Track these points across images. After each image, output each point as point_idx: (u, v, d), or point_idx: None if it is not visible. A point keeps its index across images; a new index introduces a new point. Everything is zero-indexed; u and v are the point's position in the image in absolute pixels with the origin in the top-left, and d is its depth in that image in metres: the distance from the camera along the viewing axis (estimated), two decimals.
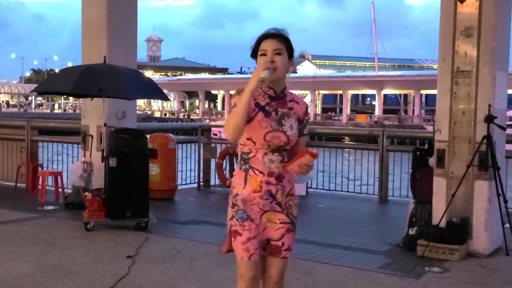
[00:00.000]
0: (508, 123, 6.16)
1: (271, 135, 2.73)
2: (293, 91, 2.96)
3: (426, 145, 6.39)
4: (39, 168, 9.40)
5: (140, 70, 8.72)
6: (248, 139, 2.76)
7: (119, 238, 6.20)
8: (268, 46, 2.76)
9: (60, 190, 8.60)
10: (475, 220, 5.67)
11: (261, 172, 2.77)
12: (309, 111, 2.92)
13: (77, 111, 64.37)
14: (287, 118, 2.78)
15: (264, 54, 2.76)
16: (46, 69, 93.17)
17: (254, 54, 2.82)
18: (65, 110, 71.65)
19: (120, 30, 8.06)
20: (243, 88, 2.76)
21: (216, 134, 11.22)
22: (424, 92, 56.75)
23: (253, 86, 2.63)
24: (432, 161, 6.02)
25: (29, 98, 74.81)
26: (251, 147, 2.77)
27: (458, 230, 5.61)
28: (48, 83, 7.73)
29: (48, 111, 67.31)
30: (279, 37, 2.79)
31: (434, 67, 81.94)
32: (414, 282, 4.86)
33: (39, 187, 8.52)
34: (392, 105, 66.24)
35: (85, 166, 7.88)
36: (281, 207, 2.80)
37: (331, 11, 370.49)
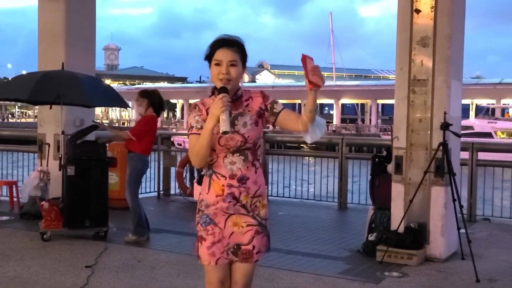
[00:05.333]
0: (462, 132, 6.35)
1: (225, 139, 2.73)
2: None
3: (385, 152, 6.52)
4: None
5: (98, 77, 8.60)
6: None
7: (78, 248, 6.07)
8: (223, 56, 2.70)
9: (15, 199, 8.38)
10: (432, 225, 5.80)
11: (223, 176, 2.76)
12: (267, 95, 2.87)
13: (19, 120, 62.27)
14: (240, 117, 2.77)
15: (219, 64, 2.71)
16: (0, 77, 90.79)
17: (208, 58, 2.77)
18: (4, 119, 68.75)
19: (78, 37, 7.94)
20: (200, 102, 2.80)
21: (180, 144, 11.17)
22: (380, 101, 57.80)
23: (212, 126, 2.63)
24: (390, 167, 6.14)
25: None
26: (212, 154, 2.78)
27: (416, 235, 5.72)
28: (2, 90, 7.53)
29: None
30: (235, 45, 2.75)
31: (390, 77, 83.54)
32: (374, 287, 4.93)
33: None
34: (349, 115, 67.20)
35: (41, 175, 7.71)
36: (247, 209, 2.78)
37: (286, 22, 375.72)
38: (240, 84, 2.82)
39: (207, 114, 2.71)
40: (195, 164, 2.78)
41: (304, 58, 2.61)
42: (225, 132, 2.61)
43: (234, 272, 2.85)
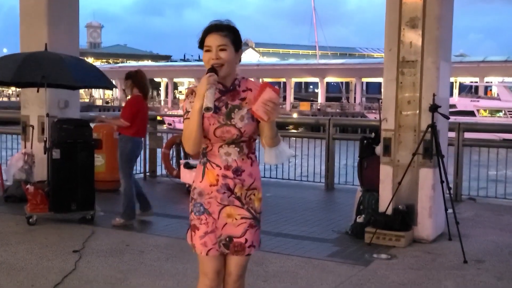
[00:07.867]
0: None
1: (221, 131, 2.68)
2: None
3: (373, 134, 6.50)
4: None
5: (82, 58, 8.47)
6: (204, 136, 2.71)
7: (64, 232, 6.01)
8: (212, 42, 2.66)
9: None
10: (420, 207, 5.82)
11: (218, 166, 2.72)
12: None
13: None
14: (238, 110, 2.70)
15: (209, 50, 2.67)
16: None
17: (202, 45, 2.72)
18: None
19: (61, 16, 7.78)
20: (193, 88, 2.72)
21: (170, 124, 11.10)
22: (365, 80, 57.87)
23: (199, 106, 2.58)
24: (378, 149, 6.13)
25: None
26: (207, 143, 2.74)
27: (404, 217, 5.74)
28: None
29: None
30: (224, 30, 2.68)
31: (375, 56, 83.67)
32: (363, 269, 4.95)
33: None
34: (334, 93, 67.25)
35: (26, 157, 7.60)
36: (241, 201, 2.74)
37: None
38: (237, 72, 2.75)
39: None
40: (188, 149, 2.73)
41: (264, 87, 2.53)
42: (207, 109, 2.54)
43: (228, 263, 2.82)
